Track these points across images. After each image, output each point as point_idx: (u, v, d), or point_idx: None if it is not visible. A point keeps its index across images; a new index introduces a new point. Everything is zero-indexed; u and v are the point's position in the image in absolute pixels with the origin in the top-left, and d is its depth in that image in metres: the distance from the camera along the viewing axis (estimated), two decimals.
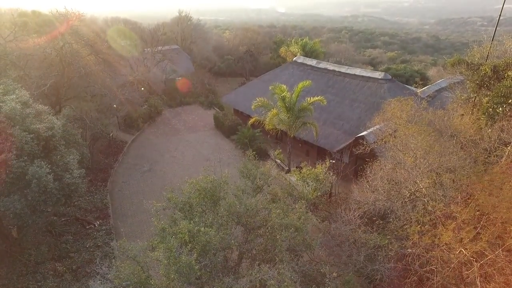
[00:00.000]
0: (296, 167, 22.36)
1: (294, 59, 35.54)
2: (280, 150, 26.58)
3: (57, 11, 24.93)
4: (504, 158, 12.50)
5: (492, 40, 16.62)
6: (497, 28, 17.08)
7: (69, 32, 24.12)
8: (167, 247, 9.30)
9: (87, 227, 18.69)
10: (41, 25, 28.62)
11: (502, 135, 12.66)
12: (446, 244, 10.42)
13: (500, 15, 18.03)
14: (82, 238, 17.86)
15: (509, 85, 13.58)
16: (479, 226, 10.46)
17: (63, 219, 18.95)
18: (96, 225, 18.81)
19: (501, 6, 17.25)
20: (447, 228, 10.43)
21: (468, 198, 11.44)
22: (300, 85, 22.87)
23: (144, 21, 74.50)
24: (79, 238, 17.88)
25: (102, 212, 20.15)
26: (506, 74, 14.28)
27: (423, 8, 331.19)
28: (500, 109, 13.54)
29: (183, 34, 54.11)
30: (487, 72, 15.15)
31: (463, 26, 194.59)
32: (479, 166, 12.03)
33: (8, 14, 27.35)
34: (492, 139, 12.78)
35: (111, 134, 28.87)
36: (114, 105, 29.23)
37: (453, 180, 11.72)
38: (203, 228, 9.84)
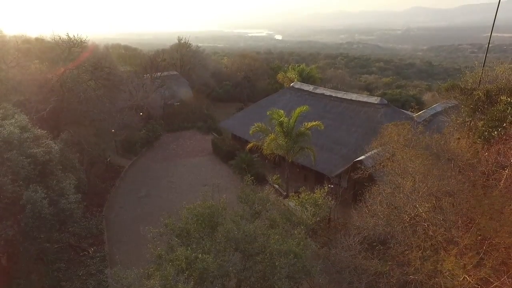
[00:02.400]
0: (294, 192, 22.19)
1: (291, 84, 36.18)
2: (278, 175, 26.46)
3: (59, 38, 25.51)
4: (502, 182, 12.48)
5: (483, 66, 17.05)
6: (487, 55, 17.60)
7: (70, 59, 24.60)
8: (163, 275, 9.04)
9: (81, 254, 18.21)
10: (44, 51, 29.23)
11: (499, 158, 12.71)
12: (449, 270, 10.18)
13: (489, 42, 18.72)
14: (75, 266, 17.35)
15: (502, 109, 13.79)
16: (482, 252, 10.27)
17: (56, 246, 18.47)
18: (90, 252, 18.34)
19: (489, 34, 17.97)
20: (449, 254, 10.23)
21: (469, 223, 11.31)
22: (298, 110, 23.13)
23: (144, 48, 76.35)
24: (71, 265, 17.38)
25: (97, 239, 19.71)
26: (499, 99, 14.54)
27: (416, 36, 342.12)
28: (496, 132, 13.67)
29: (182, 60, 55.21)
30: (480, 96, 15.43)
31: (454, 52, 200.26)
32: (478, 190, 11.98)
33: (13, 41, 28.00)
34: (490, 163, 12.81)
35: (108, 159, 28.77)
36: (113, 130, 29.32)
37: (453, 204, 11.63)
38: (200, 254, 9.62)
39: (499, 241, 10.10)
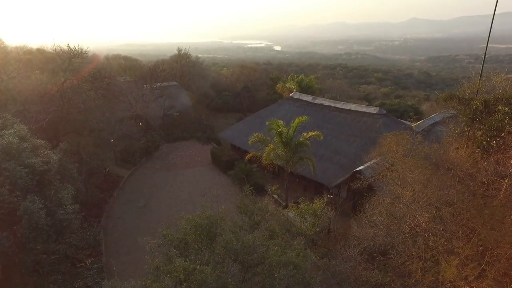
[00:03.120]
0: (293, 203, 22.08)
1: (290, 95, 36.35)
2: (278, 186, 26.37)
3: (60, 48, 25.74)
4: (502, 192, 12.45)
5: (480, 76, 17.20)
6: (484, 65, 17.79)
7: (70, 69, 24.77)
8: (161, 287, 8.90)
9: (78, 265, 17.96)
10: (45, 62, 29.44)
11: (498, 168, 12.70)
12: (450, 281, 10.07)
13: (485, 53, 18.99)
14: (72, 278, 17.08)
15: (500, 119, 13.85)
16: (483, 262, 10.17)
17: (52, 257, 18.24)
18: (87, 264, 18.10)
19: (486, 45, 18.25)
20: (450, 265, 10.13)
21: (469, 233, 11.22)
22: (297, 120, 23.19)
23: (144, 58, 76.96)
24: (68, 277, 17.11)
25: (95, 250, 19.48)
26: (497, 108, 14.62)
27: (413, 47, 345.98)
28: (494, 142, 13.71)
29: (181, 71, 55.60)
30: (478, 106, 15.52)
31: (452, 63, 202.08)
32: (478, 200, 11.93)
33: (14, 52, 28.24)
34: (489, 172, 12.80)
35: (107, 169, 28.68)
36: (112, 140, 29.32)
37: (453, 214, 11.56)
38: (199, 266, 9.49)
39: (500, 252, 10.01)
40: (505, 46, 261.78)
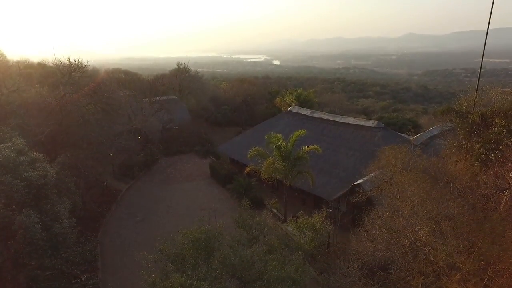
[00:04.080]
0: (292, 217, 21.89)
1: (289, 108, 36.56)
2: (276, 199, 26.19)
3: (61, 62, 25.96)
4: (502, 205, 12.37)
5: (476, 90, 17.38)
6: (480, 79, 18.00)
7: (70, 83, 24.92)
8: None
9: (73, 281, 17.62)
10: (45, 76, 29.63)
11: (497, 181, 12.66)
12: None
13: (481, 67, 19.30)
14: None
15: (498, 132, 13.90)
16: (485, 278, 10.02)
17: (47, 273, 17.89)
18: (83, 279, 17.76)
19: (481, 59, 18.53)
20: (452, 280, 9.97)
21: (470, 247, 11.09)
22: (296, 134, 23.23)
23: (144, 72, 77.64)
24: None
25: (91, 265, 19.15)
26: (494, 122, 14.69)
27: (410, 61, 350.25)
28: (492, 155, 13.72)
29: (181, 85, 56.01)
30: (475, 119, 15.60)
31: (448, 77, 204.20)
32: (478, 213, 11.85)
33: (15, 66, 28.46)
34: (488, 185, 12.75)
35: (105, 183, 28.51)
36: (110, 153, 29.24)
37: (453, 228, 11.45)
38: (196, 281, 9.33)
39: (503, 267, 9.87)
40: (500, 60, 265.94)
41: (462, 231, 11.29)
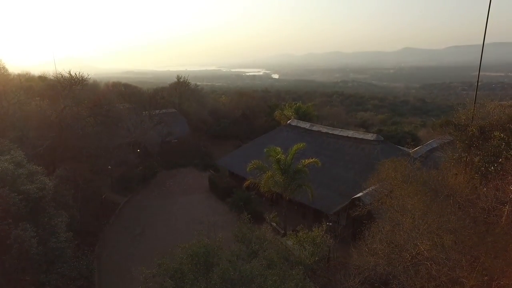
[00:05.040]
0: (292, 231, 21.65)
1: (288, 122, 36.66)
2: (276, 213, 25.96)
3: (62, 76, 26.17)
4: (504, 218, 12.28)
5: (474, 103, 17.50)
6: (477, 92, 18.17)
7: (71, 96, 25.05)
8: None
9: None
10: (45, 89, 29.80)
11: (498, 194, 12.60)
12: None
13: (478, 81, 19.56)
14: None
15: (497, 145, 13.93)
16: None
17: None
18: None
19: (478, 73, 18.80)
20: None
21: (473, 261, 10.94)
22: (295, 147, 23.21)
23: (144, 86, 78.15)
24: None
25: (87, 280, 18.72)
26: (492, 134, 14.74)
27: (408, 74, 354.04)
28: (492, 168, 13.70)
29: (180, 98, 56.31)
30: (474, 132, 15.65)
31: (446, 90, 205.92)
32: (479, 227, 11.74)
33: (17, 80, 28.70)
34: (489, 198, 12.68)
35: (103, 196, 28.30)
36: (109, 166, 29.14)
37: (455, 242, 11.32)
38: None
39: (507, 282, 9.71)
40: (496, 74, 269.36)
41: (464, 245, 11.16)
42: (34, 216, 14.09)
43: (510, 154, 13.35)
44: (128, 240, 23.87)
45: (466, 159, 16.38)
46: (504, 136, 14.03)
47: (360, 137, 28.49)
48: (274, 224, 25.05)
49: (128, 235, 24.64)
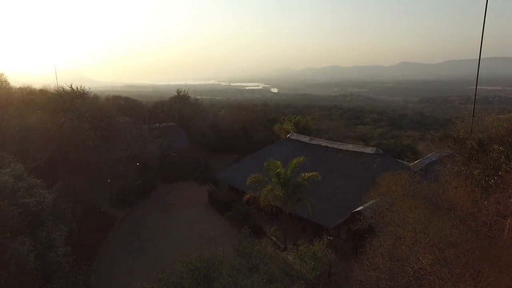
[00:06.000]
0: (293, 245, 21.43)
1: (288, 135, 36.77)
2: (276, 227, 25.75)
3: (63, 89, 26.38)
4: (506, 232, 12.21)
5: (472, 117, 17.65)
6: (475, 106, 18.36)
7: (71, 109, 25.18)
8: None
9: None
10: (46, 102, 29.96)
11: (499, 207, 12.57)
12: None
13: (475, 95, 19.81)
14: None
15: (496, 158, 13.97)
16: None
17: None
18: None
19: (475, 87, 19.07)
20: None
21: (476, 276, 10.82)
22: (295, 161, 23.21)
23: (144, 99, 78.65)
24: None
25: None
26: (491, 148, 14.81)
27: (406, 88, 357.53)
28: (492, 181, 13.70)
29: (180, 112, 56.62)
30: (473, 145, 15.72)
31: (444, 104, 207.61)
32: (482, 241, 11.66)
33: (18, 93, 28.90)
34: (490, 212, 12.64)
35: (102, 209, 28.11)
36: (108, 180, 29.03)
37: (458, 256, 11.22)
38: None
39: None
40: (493, 88, 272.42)
41: (467, 259, 11.06)
42: (33, 229, 13.97)
43: (510, 167, 13.38)
44: (126, 254, 23.58)
45: (466, 172, 16.40)
46: (503, 149, 14.09)
47: (360, 150, 28.55)
48: (274, 238, 24.81)
49: (127, 249, 24.35)
